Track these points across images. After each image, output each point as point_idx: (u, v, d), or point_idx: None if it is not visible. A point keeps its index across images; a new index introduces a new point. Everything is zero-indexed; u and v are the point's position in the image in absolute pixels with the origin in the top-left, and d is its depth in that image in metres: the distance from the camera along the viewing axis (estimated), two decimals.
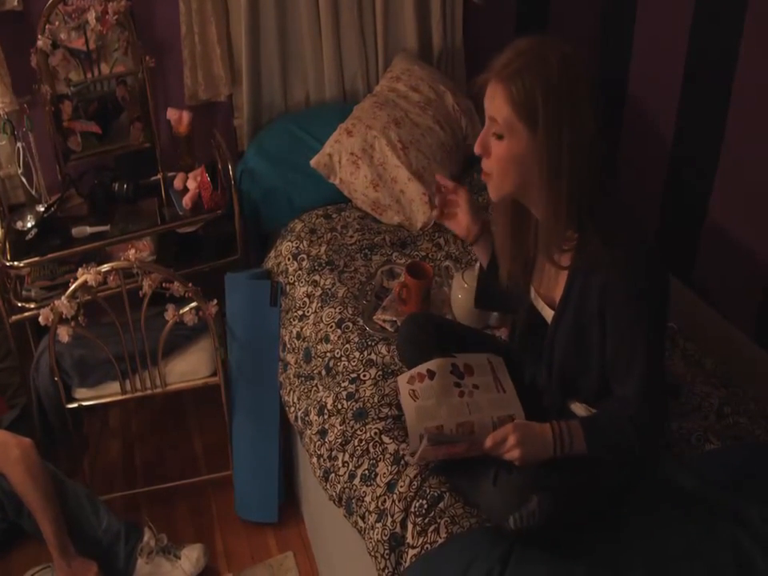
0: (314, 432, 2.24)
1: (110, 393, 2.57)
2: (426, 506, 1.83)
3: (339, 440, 2.13)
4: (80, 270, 2.36)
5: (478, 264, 2.36)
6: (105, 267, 2.34)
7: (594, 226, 1.60)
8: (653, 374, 1.65)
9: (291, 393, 2.44)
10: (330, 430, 2.18)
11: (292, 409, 2.42)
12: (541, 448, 1.67)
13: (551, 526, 1.62)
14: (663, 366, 1.74)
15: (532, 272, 1.85)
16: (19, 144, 2.64)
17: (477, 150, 1.65)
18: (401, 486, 1.89)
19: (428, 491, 1.85)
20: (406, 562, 1.81)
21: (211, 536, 2.68)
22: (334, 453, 2.13)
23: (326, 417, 2.22)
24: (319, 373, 2.35)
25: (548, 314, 1.81)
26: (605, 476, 1.74)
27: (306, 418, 2.30)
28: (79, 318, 2.36)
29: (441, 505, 1.83)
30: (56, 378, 2.48)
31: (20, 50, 2.66)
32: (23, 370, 2.74)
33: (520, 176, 1.61)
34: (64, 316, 2.34)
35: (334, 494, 2.10)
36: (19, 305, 2.60)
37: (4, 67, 2.61)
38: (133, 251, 2.37)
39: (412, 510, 1.84)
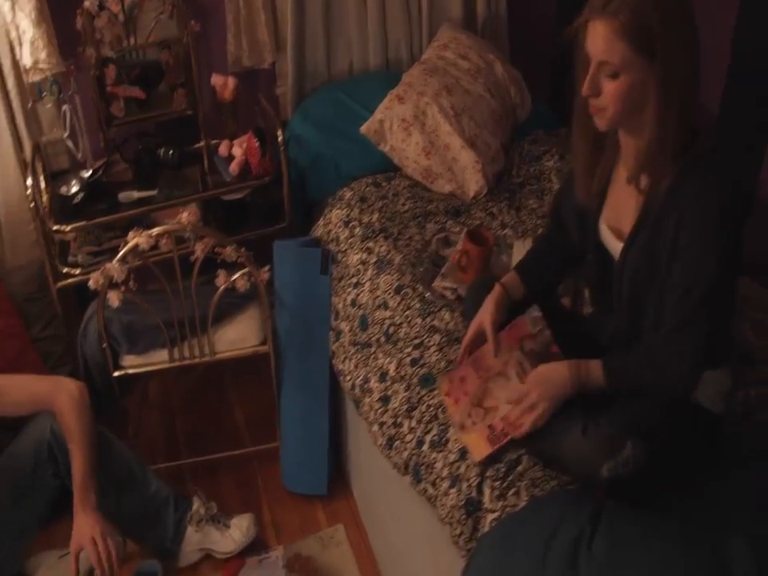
0: (374, 399, 2.19)
1: (157, 360, 2.50)
2: (503, 470, 1.78)
3: (404, 406, 2.08)
4: (131, 233, 2.29)
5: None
6: (157, 230, 2.28)
7: (686, 156, 1.58)
8: (703, 316, 1.59)
9: (346, 361, 2.39)
10: (393, 397, 2.12)
11: (348, 377, 2.36)
12: (560, 387, 1.70)
13: (643, 475, 1.58)
14: (723, 312, 1.66)
15: (602, 206, 1.80)
16: (65, 107, 2.58)
17: (586, 92, 1.58)
18: None
19: (504, 456, 1.80)
20: (484, 527, 1.76)
21: (258, 508, 2.62)
22: (398, 419, 2.08)
23: (388, 383, 2.16)
24: (377, 340, 2.30)
25: (616, 246, 1.77)
26: (691, 423, 1.72)
27: (365, 386, 2.25)
28: (129, 283, 2.30)
29: (519, 468, 1.77)
30: (104, 345, 2.42)
31: (66, 12, 2.59)
32: (67, 338, 2.69)
33: (634, 106, 1.56)
34: (114, 280, 2.28)
35: (400, 461, 2.04)
36: (64, 271, 2.54)
37: (51, 28, 2.54)
38: (186, 214, 2.31)
39: (488, 474, 1.79)
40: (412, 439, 2.01)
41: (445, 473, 1.87)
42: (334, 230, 2.64)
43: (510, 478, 1.76)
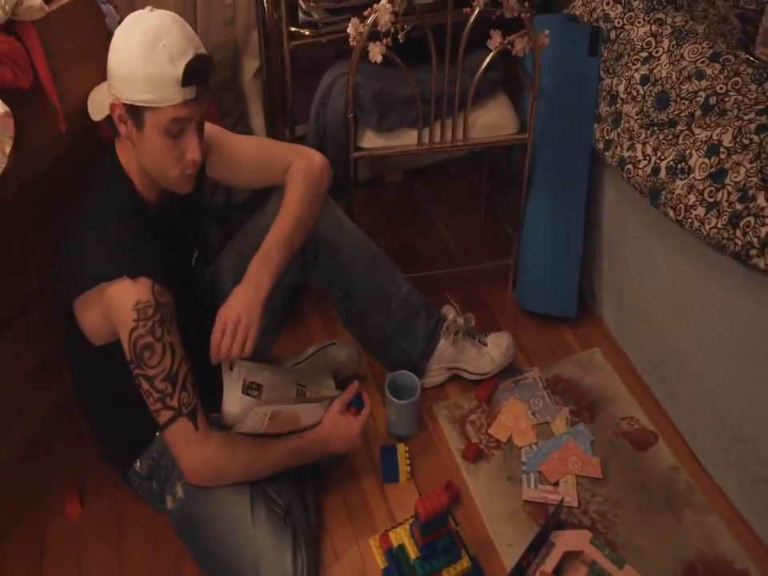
0: (698, 178, 1.81)
1: (402, 143, 2.11)
2: None
3: (754, 178, 1.70)
4: None
5: None
6: None
7: None
8: None
9: (638, 147, 2.00)
10: (732, 170, 1.74)
11: (643, 163, 1.98)
12: None
13: None
14: None
15: None
16: None
17: None
18: None
19: None
20: None
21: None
22: (750, 193, 1.70)
23: (722, 156, 1.78)
24: (690, 114, 1.91)
25: None
26: None
27: (679, 166, 1.86)
28: (398, 37, 1.90)
29: None
30: (350, 113, 2.03)
31: None
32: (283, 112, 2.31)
33: None
34: (379, 27, 1.88)
35: (754, 240, 1.67)
36: (293, 29, 2.15)
37: None
38: None
39: None
40: None
41: None
42: (600, 6, 2.23)
43: None
